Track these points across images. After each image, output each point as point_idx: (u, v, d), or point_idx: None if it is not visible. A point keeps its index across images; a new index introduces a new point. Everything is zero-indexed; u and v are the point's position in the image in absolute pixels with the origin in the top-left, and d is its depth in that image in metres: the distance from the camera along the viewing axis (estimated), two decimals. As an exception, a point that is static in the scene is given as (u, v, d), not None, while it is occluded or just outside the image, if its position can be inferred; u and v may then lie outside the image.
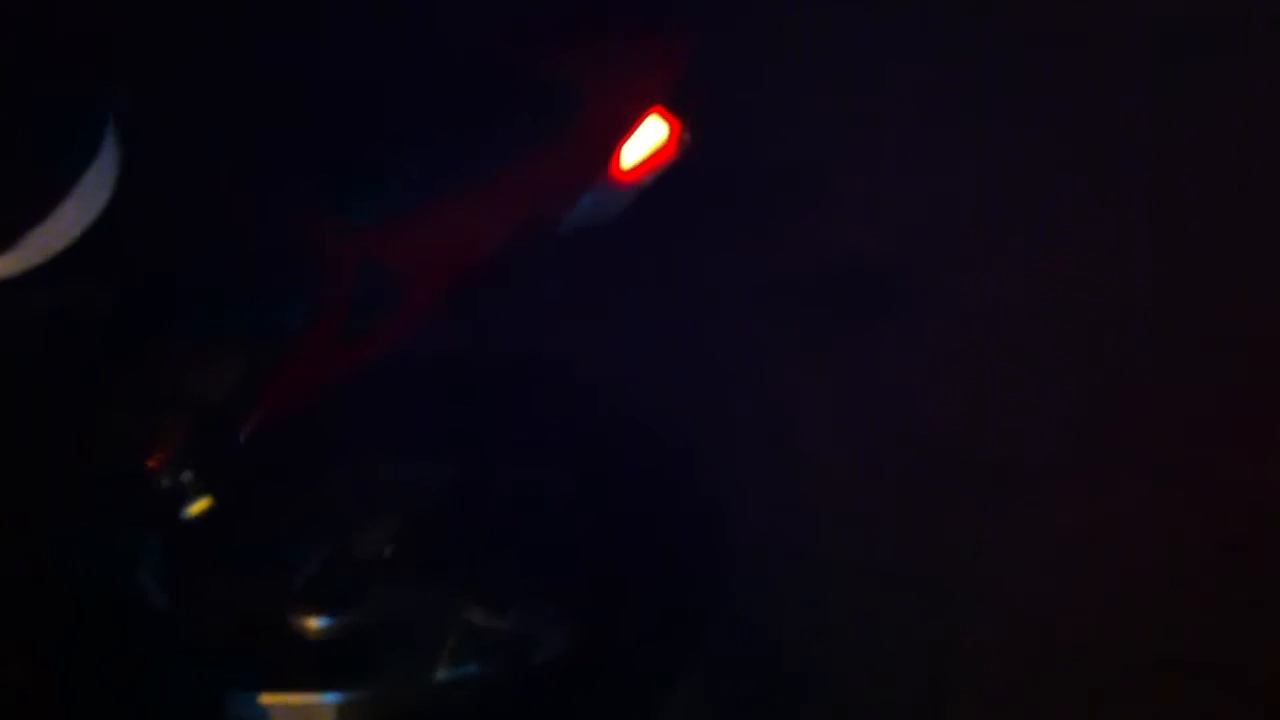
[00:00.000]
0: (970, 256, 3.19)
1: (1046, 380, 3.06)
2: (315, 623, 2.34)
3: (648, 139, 2.36)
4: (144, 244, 2.00)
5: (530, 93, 2.26)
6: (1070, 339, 3.10)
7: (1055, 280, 3.15)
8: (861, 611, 2.88)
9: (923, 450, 3.02)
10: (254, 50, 2.27)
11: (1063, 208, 3.22)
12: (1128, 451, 2.96)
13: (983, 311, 3.14)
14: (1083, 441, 2.99)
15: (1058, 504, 2.94)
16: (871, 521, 2.96)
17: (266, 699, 2.33)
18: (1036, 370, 3.07)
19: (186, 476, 2.15)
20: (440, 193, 2.21)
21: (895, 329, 3.16)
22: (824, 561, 2.92)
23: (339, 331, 2.16)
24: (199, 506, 2.16)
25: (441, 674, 2.42)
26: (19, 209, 1.87)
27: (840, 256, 3.24)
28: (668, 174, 2.37)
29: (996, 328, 3.11)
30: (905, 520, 2.95)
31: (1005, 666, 2.81)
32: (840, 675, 2.83)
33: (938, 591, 2.88)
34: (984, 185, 3.27)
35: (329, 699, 2.36)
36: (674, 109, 2.37)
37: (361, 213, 2.18)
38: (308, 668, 2.35)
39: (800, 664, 2.85)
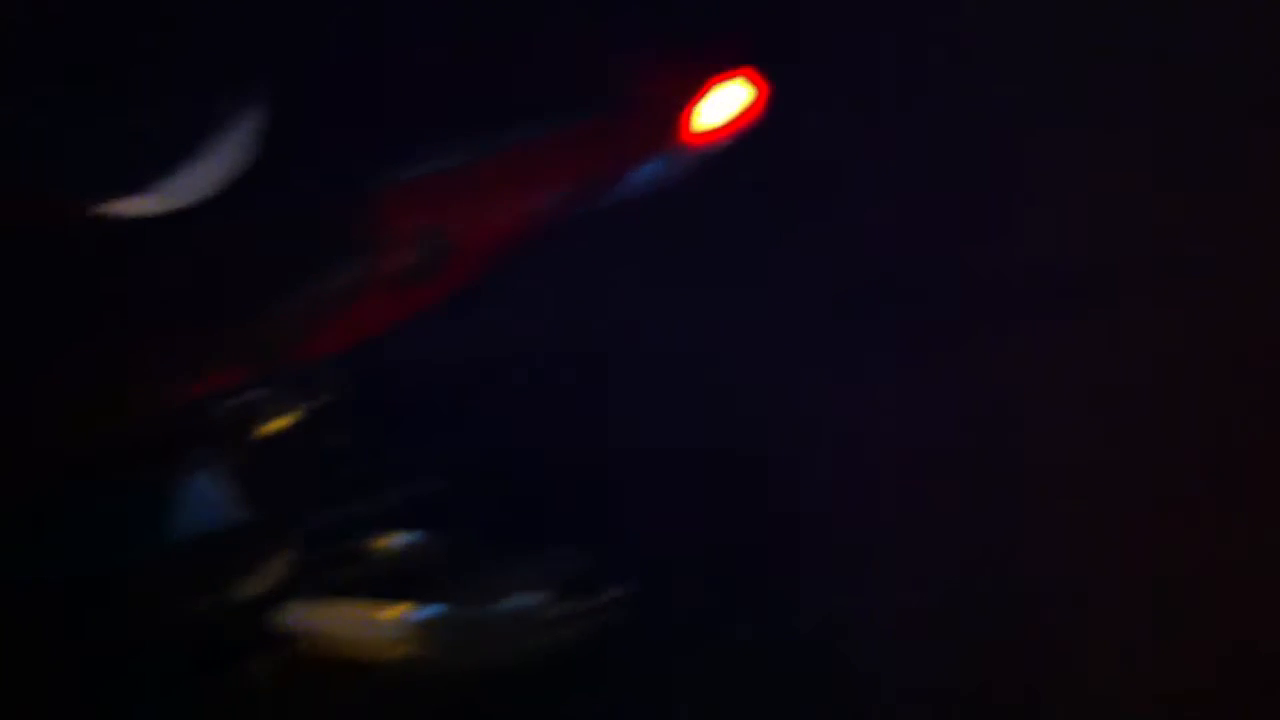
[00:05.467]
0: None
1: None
2: (388, 541, 2.50)
3: (723, 103, 2.43)
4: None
5: (594, 55, 2.37)
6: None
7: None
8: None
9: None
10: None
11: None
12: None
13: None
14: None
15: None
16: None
17: (336, 608, 2.47)
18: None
19: (258, 394, 2.34)
20: (498, 149, 2.34)
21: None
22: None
23: (394, 280, 2.32)
24: (271, 425, 2.35)
25: (509, 601, 2.54)
26: (165, 158, 2.15)
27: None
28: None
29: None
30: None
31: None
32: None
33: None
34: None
35: (399, 613, 2.48)
36: (751, 74, 2.44)
37: (419, 167, 2.34)
38: (378, 584, 2.50)
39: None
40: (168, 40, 2.18)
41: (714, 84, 2.41)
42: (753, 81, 2.44)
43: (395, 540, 2.49)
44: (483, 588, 2.53)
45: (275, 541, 2.42)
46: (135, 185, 2.15)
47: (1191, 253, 3.18)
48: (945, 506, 2.91)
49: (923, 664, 2.74)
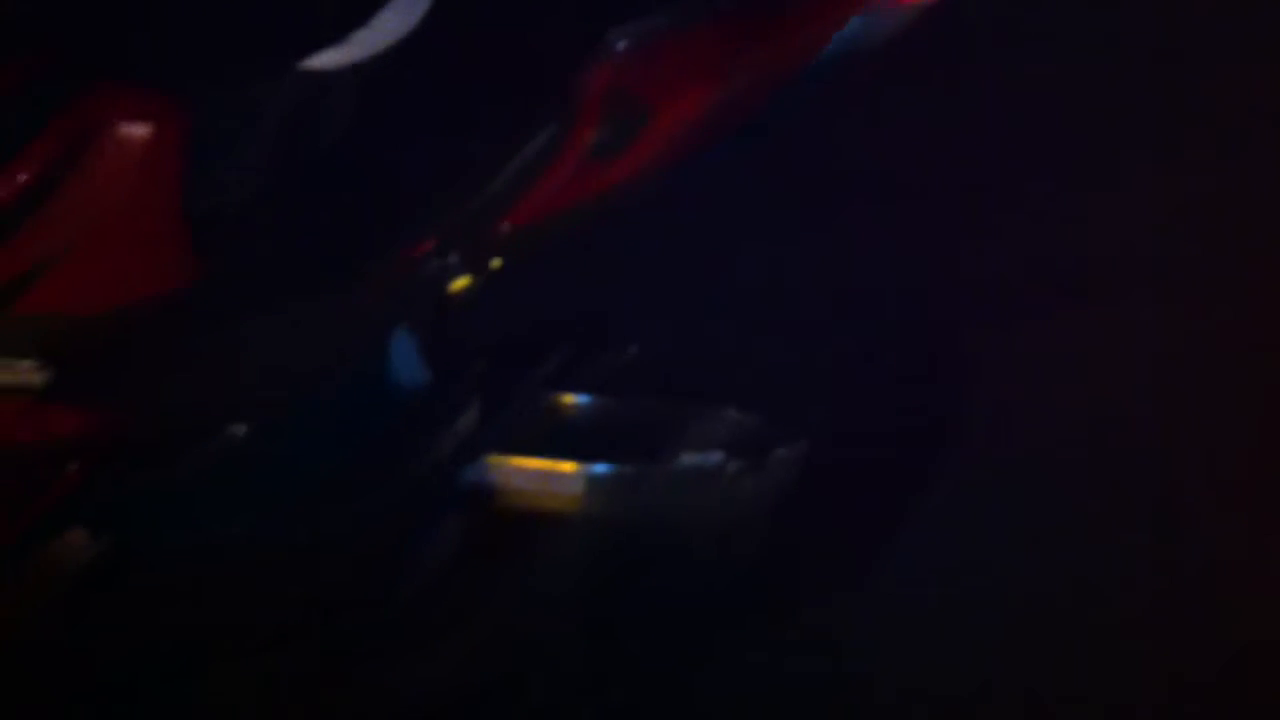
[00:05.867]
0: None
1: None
2: (569, 399, 2.48)
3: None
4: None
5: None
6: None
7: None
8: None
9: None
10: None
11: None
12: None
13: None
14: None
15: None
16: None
17: (515, 462, 2.47)
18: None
19: (452, 258, 2.30)
20: (693, 20, 2.24)
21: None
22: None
23: (587, 151, 2.25)
24: (460, 284, 2.31)
25: (685, 459, 2.54)
26: (349, 10, 2.10)
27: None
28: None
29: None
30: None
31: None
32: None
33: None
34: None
35: (578, 468, 2.49)
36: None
37: (612, 34, 2.24)
38: (557, 440, 2.50)
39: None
40: None
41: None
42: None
43: (575, 398, 2.47)
44: (658, 446, 2.53)
45: (463, 400, 2.40)
46: (326, 37, 2.09)
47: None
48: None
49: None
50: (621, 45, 2.26)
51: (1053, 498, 2.87)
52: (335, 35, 2.09)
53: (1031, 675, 2.69)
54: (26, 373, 2.12)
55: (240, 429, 2.27)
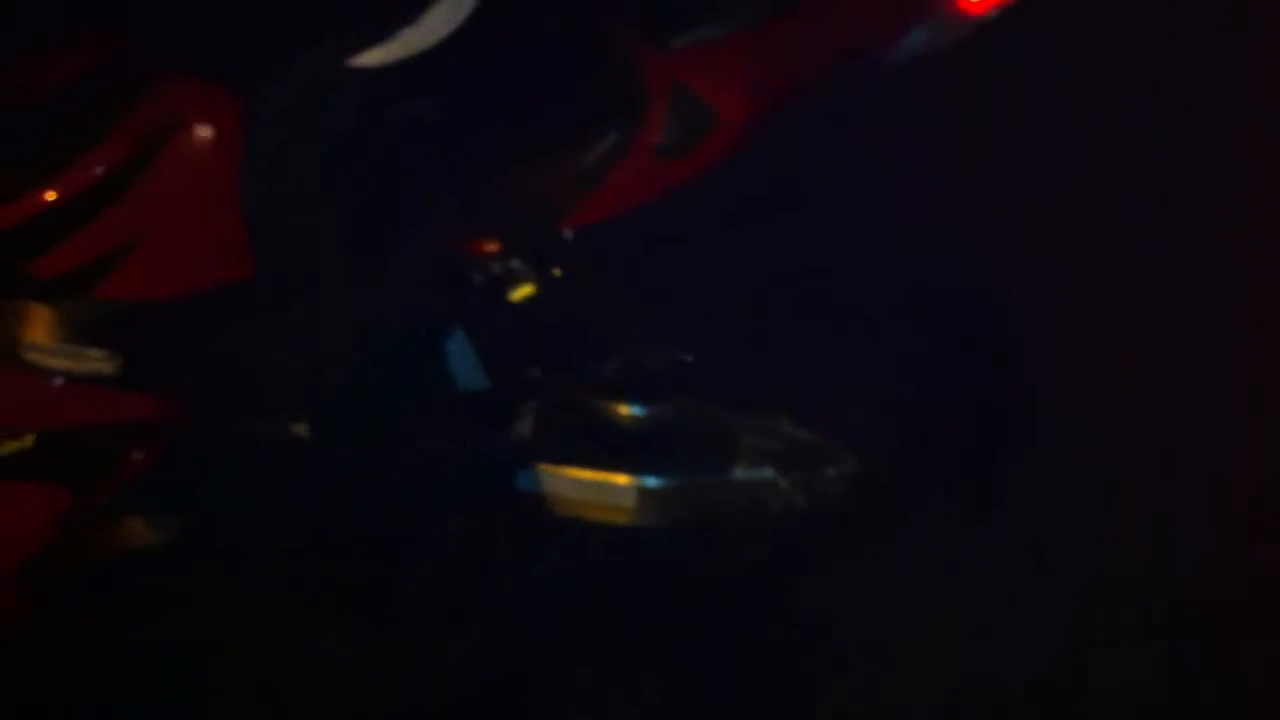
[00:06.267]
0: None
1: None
2: (624, 409, 2.47)
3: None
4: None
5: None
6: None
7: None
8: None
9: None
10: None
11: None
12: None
13: None
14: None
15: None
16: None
17: (568, 472, 2.47)
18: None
19: (515, 263, 2.30)
20: (756, 19, 2.26)
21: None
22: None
23: (653, 150, 2.26)
24: (522, 291, 2.31)
25: (738, 473, 2.54)
26: (396, 9, 2.11)
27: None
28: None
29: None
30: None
31: None
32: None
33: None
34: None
35: (632, 481, 2.50)
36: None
37: (679, 36, 2.27)
38: (611, 451, 2.49)
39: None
40: None
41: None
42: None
43: (629, 408, 2.46)
44: (711, 459, 2.53)
45: (519, 404, 2.40)
46: (379, 32, 2.10)
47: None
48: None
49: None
50: (687, 48, 2.28)
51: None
52: (385, 34, 2.10)
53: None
54: (98, 360, 2.13)
55: (300, 426, 2.27)
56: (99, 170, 2.05)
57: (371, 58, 2.11)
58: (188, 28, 2.09)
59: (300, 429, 2.28)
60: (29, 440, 2.16)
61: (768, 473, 2.54)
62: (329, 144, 2.14)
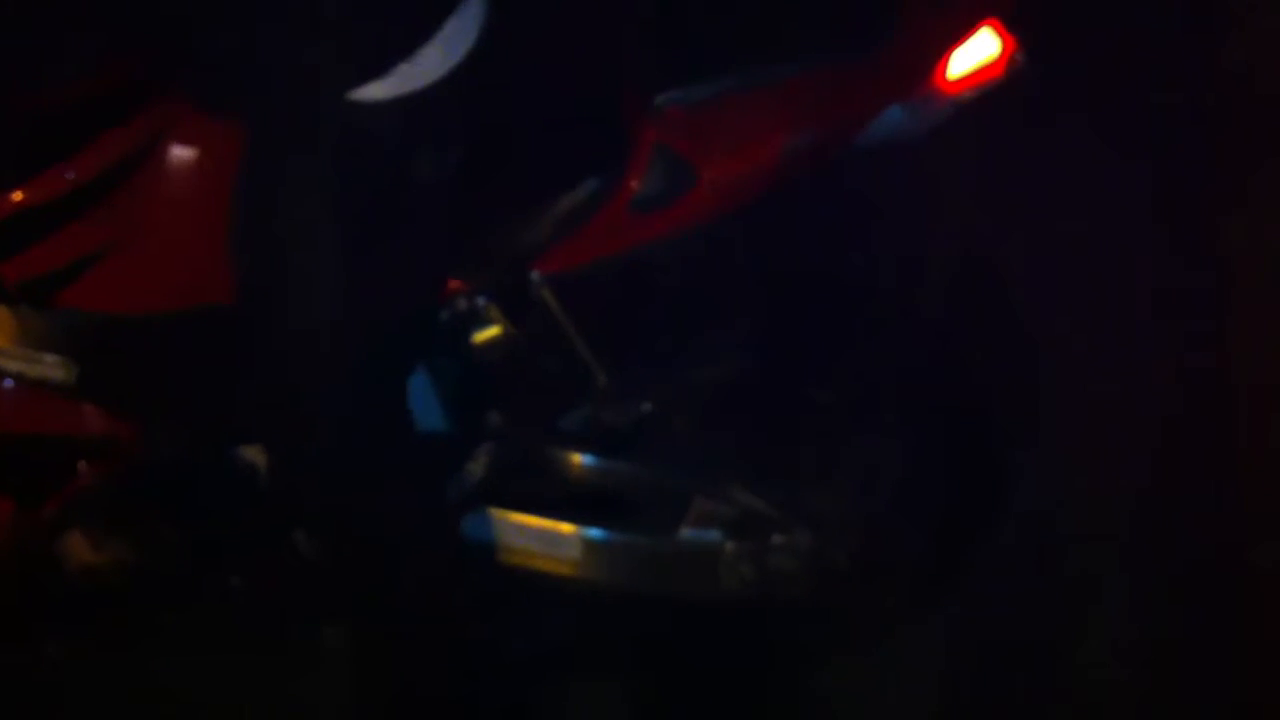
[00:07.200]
0: None
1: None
2: (577, 459, 2.45)
3: (975, 53, 2.37)
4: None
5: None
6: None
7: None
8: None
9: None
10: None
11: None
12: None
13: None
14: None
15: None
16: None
17: (515, 518, 2.45)
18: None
19: (480, 303, 2.30)
20: (741, 87, 2.30)
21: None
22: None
23: (629, 204, 2.28)
24: (488, 334, 2.31)
25: (686, 534, 2.52)
26: (393, 45, 2.12)
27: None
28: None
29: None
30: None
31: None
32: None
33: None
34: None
35: (577, 531, 2.48)
36: (1007, 25, 2.37)
37: (665, 95, 2.30)
38: (561, 501, 2.48)
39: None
40: None
41: (970, 33, 2.35)
42: (1001, 34, 2.38)
43: (583, 460, 2.45)
44: (660, 516, 2.52)
45: (473, 448, 2.38)
46: (375, 68, 2.11)
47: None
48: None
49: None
50: (672, 107, 2.31)
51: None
52: (380, 68, 2.11)
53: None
54: (53, 367, 2.11)
55: (256, 451, 2.26)
56: (72, 177, 2.04)
57: (368, 92, 2.12)
58: (189, 52, 2.09)
59: (256, 456, 2.27)
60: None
61: (715, 536, 2.53)
62: (318, 175, 2.14)
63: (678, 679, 2.72)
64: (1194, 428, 3.10)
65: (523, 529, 2.43)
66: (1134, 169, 3.43)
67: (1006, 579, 2.82)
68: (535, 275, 2.29)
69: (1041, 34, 2.41)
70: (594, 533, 2.47)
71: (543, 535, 2.44)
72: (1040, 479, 2.85)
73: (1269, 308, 3.24)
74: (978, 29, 2.36)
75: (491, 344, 2.30)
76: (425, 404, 2.30)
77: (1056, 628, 2.86)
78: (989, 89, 2.38)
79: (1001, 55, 2.39)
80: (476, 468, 2.38)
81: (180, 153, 2.09)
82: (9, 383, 2.12)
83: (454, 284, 2.27)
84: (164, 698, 2.67)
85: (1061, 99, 3.35)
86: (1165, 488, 3.01)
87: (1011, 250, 2.94)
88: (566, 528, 2.45)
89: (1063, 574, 2.94)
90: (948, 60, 2.36)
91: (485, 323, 2.29)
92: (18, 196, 2.05)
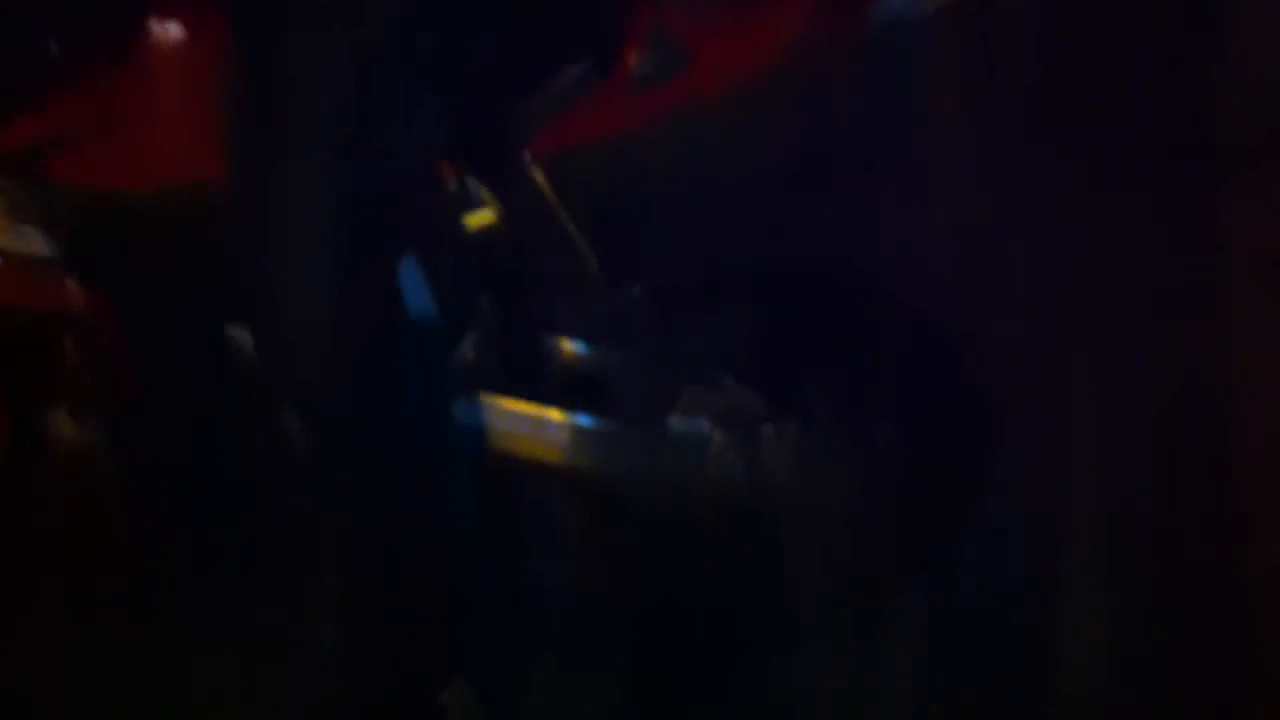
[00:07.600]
0: None
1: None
2: (568, 346, 2.47)
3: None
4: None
5: None
6: None
7: None
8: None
9: None
10: None
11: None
12: None
13: None
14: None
15: None
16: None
17: (505, 405, 2.46)
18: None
19: (473, 184, 2.32)
20: None
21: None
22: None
23: (625, 82, 2.30)
24: (480, 218, 2.33)
25: (674, 423, 2.52)
26: None
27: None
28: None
29: None
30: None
31: None
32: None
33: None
34: None
35: (566, 418, 2.48)
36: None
37: None
38: (550, 387, 2.49)
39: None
40: None
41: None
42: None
43: (574, 346, 2.46)
44: (649, 405, 2.51)
45: (463, 334, 2.39)
46: None
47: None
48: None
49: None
50: None
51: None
52: None
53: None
54: (36, 240, 2.12)
55: (243, 335, 2.26)
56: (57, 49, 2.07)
57: None
58: None
59: (242, 336, 2.28)
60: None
61: (704, 426, 2.54)
62: (313, 57, 2.17)
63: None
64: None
65: (511, 415, 2.44)
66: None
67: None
68: (527, 156, 2.32)
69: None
70: (582, 419, 2.48)
71: (531, 421, 2.45)
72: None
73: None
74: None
75: (482, 227, 2.32)
76: (414, 287, 2.32)
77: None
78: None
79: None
80: (466, 352, 2.39)
81: (169, 25, 2.11)
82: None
83: (444, 165, 2.30)
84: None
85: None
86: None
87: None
88: (555, 414, 2.46)
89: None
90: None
91: (476, 205, 2.31)
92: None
